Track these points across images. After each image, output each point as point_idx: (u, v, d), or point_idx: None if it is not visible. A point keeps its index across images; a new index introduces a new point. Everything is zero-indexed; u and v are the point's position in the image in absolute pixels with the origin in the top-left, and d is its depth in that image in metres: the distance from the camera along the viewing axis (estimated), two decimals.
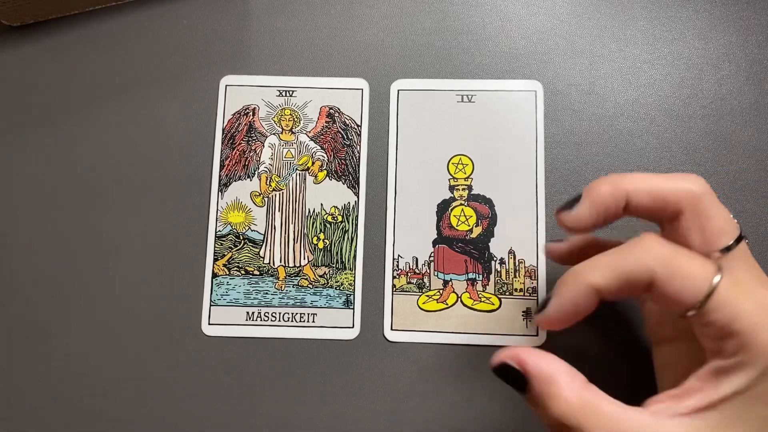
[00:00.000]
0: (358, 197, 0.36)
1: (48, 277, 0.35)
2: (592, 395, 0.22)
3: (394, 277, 0.35)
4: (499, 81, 0.36)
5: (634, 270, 0.22)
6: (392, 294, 0.34)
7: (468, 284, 0.34)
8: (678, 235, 0.24)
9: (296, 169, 0.36)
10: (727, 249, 0.23)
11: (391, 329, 0.34)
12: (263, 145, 0.36)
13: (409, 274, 0.35)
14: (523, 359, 0.23)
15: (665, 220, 0.24)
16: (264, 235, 0.35)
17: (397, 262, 0.35)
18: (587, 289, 0.23)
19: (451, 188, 0.35)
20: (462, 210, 0.35)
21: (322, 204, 0.36)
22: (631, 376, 0.33)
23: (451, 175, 0.36)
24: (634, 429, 0.22)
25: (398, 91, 0.37)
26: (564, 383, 0.22)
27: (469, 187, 0.35)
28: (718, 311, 0.21)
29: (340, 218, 0.35)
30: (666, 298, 0.22)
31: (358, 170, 0.36)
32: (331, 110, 0.37)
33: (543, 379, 0.23)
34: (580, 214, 0.24)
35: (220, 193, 0.36)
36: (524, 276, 0.34)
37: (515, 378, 0.23)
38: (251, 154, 0.36)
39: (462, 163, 0.36)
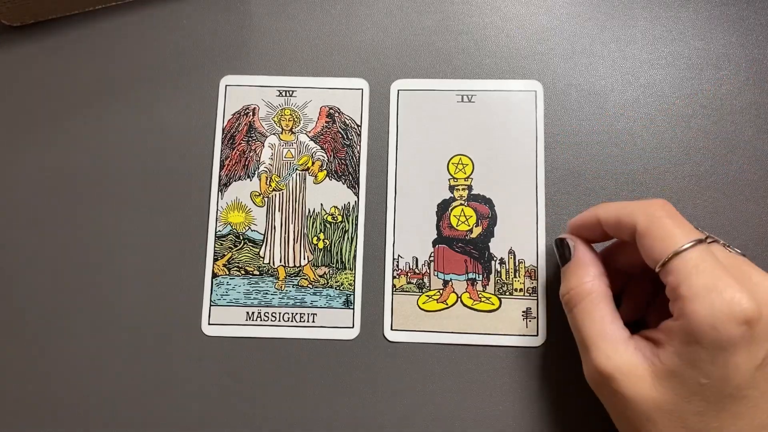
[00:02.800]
0: (358, 197, 0.36)
1: (48, 277, 0.35)
2: (598, 295, 0.28)
3: (394, 277, 0.35)
4: (499, 81, 0.36)
5: (624, 217, 0.27)
6: (392, 294, 0.34)
7: (468, 284, 0.34)
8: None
9: (296, 169, 0.36)
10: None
11: (391, 329, 0.34)
12: (263, 145, 0.36)
13: (409, 274, 0.35)
14: (578, 245, 0.30)
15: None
16: (264, 235, 0.35)
17: (397, 262, 0.35)
18: (593, 217, 0.29)
19: (451, 188, 0.35)
20: (462, 210, 0.35)
21: (322, 204, 0.36)
22: None
23: (451, 175, 0.36)
24: (604, 337, 0.26)
25: (398, 91, 0.37)
26: (592, 273, 0.28)
27: (469, 187, 0.35)
28: (674, 273, 0.24)
29: (340, 218, 0.35)
30: (641, 248, 0.26)
31: (358, 170, 0.36)
32: (331, 110, 0.37)
33: (577, 262, 0.29)
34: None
35: (220, 193, 0.36)
36: (524, 276, 0.34)
37: (564, 253, 0.30)
38: (251, 154, 0.36)
39: (462, 163, 0.36)
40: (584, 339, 0.27)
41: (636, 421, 0.25)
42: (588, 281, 0.28)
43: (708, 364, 0.23)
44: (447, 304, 0.34)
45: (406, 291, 0.34)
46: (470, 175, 0.35)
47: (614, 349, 0.26)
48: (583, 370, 0.28)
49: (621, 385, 0.25)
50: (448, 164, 0.36)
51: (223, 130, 0.36)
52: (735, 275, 0.24)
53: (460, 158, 0.36)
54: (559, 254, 0.30)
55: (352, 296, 0.34)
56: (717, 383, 0.23)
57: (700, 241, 0.24)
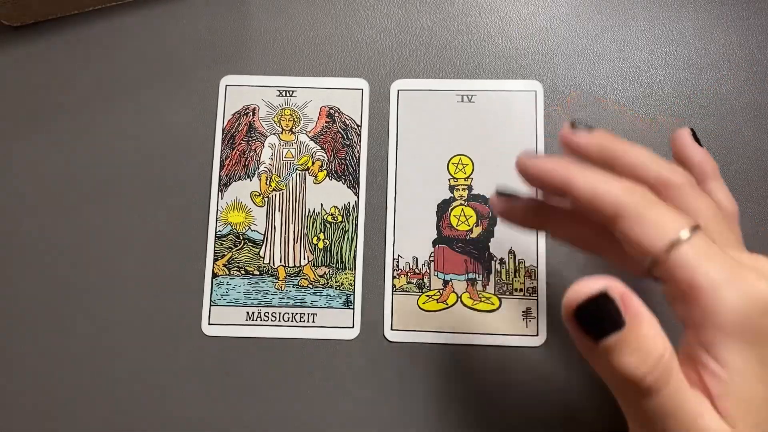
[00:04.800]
0: (358, 197, 0.36)
1: (48, 276, 0.35)
2: (678, 366, 0.20)
3: (394, 277, 0.35)
4: (499, 81, 0.36)
5: (605, 196, 0.21)
6: (392, 294, 0.34)
7: (468, 284, 0.34)
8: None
9: (296, 169, 0.36)
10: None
11: (391, 329, 0.34)
12: (263, 145, 0.36)
13: (409, 274, 0.35)
14: (628, 296, 0.20)
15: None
16: (264, 235, 0.35)
17: (397, 262, 0.35)
18: (564, 180, 0.22)
19: (451, 188, 0.35)
20: (462, 210, 0.35)
21: (322, 204, 0.36)
22: None
23: (451, 175, 0.36)
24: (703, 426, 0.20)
25: (398, 91, 0.37)
26: (663, 334, 0.20)
27: (469, 187, 0.35)
28: (681, 266, 0.20)
29: (340, 218, 0.35)
30: (628, 239, 0.21)
31: (358, 170, 0.36)
32: (331, 110, 0.37)
33: (643, 321, 0.20)
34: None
35: (220, 193, 0.36)
36: (524, 276, 0.34)
37: (611, 315, 0.20)
38: (251, 154, 0.36)
39: (462, 163, 0.36)
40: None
41: None
42: (667, 348, 0.20)
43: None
44: (447, 304, 0.34)
45: (406, 291, 0.34)
46: (470, 175, 0.35)
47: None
48: None
49: None
50: (448, 164, 0.36)
51: (223, 130, 0.36)
52: (741, 263, 0.21)
53: (460, 158, 0.36)
54: (602, 315, 0.20)
55: (352, 296, 0.34)
56: None
57: (697, 227, 0.21)
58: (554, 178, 0.23)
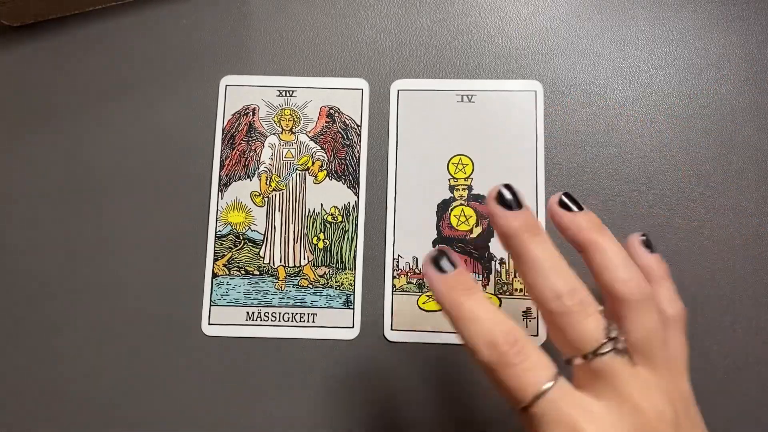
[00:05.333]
0: (358, 197, 0.36)
1: (48, 277, 0.35)
2: None
3: (394, 277, 0.35)
4: (499, 81, 0.36)
5: (478, 345, 0.22)
6: (392, 294, 0.34)
7: None
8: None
9: (296, 169, 0.36)
10: (587, 356, 0.22)
11: (391, 329, 0.34)
12: (263, 145, 0.36)
13: (409, 274, 0.35)
14: None
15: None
16: (264, 235, 0.35)
17: (397, 262, 0.35)
18: (451, 313, 0.23)
19: (451, 188, 0.35)
20: (462, 210, 0.35)
21: (322, 204, 0.36)
22: None
23: (451, 175, 0.36)
24: None
25: (398, 91, 0.37)
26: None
27: (469, 187, 0.35)
28: (543, 416, 0.21)
29: (340, 218, 0.35)
30: (498, 390, 0.22)
31: (358, 170, 0.36)
32: (331, 110, 0.37)
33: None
34: None
35: (220, 193, 0.36)
36: None
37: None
38: (251, 154, 0.36)
39: (462, 163, 0.36)
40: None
41: None
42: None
43: None
44: None
45: (406, 291, 0.34)
46: (470, 175, 0.35)
47: None
48: None
49: None
50: (448, 164, 0.36)
51: (223, 130, 0.36)
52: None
53: (460, 158, 0.36)
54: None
55: (352, 296, 0.34)
56: None
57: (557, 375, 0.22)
58: (446, 311, 0.24)
